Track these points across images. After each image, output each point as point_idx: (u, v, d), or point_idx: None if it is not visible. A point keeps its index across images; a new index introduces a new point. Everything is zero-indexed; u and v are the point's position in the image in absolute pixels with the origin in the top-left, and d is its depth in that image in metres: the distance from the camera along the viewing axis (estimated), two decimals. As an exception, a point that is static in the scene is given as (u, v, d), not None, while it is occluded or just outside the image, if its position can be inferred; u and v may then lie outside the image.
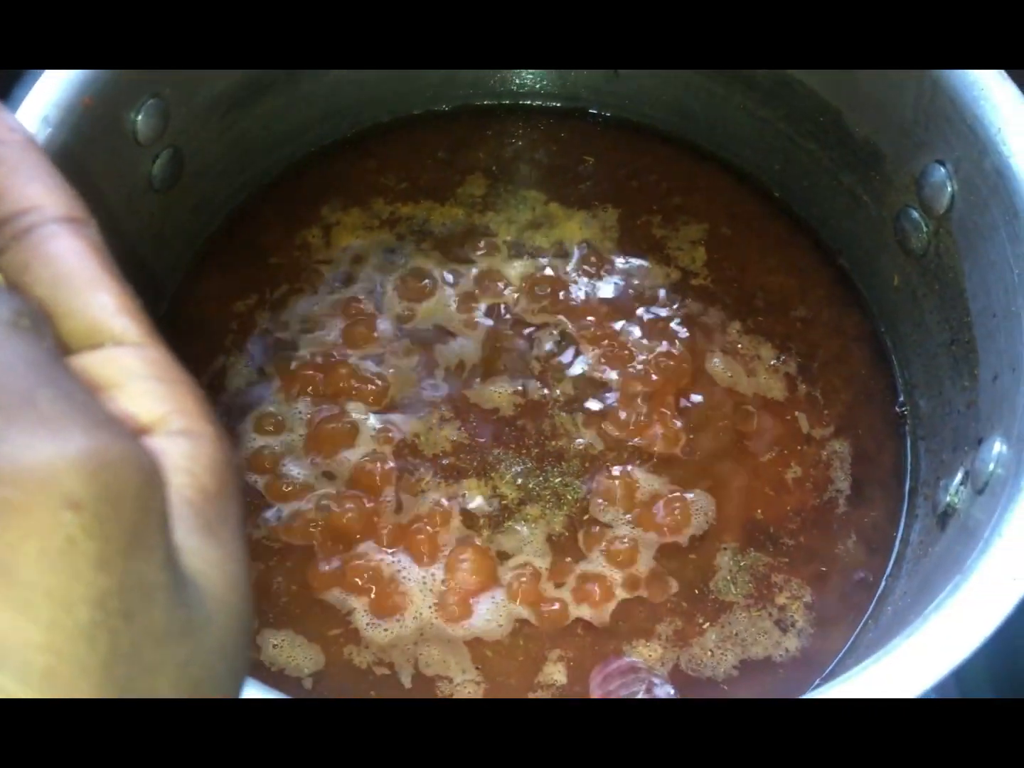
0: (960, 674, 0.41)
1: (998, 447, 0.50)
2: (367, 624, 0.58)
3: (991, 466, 0.50)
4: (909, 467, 0.63)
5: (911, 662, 0.41)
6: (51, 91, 0.54)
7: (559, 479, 0.63)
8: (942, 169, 0.57)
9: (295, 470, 0.62)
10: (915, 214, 0.61)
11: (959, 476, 0.54)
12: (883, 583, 0.60)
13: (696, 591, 0.60)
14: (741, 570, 0.61)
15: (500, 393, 0.65)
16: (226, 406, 0.65)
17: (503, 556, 0.60)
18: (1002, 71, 0.54)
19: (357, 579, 0.59)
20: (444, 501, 0.61)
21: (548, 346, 0.67)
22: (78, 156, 0.55)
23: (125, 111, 0.58)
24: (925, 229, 0.60)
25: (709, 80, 0.70)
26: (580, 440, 0.64)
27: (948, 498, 0.54)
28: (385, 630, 0.58)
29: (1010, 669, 0.67)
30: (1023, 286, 0.51)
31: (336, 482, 0.62)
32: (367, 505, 0.61)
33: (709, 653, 0.59)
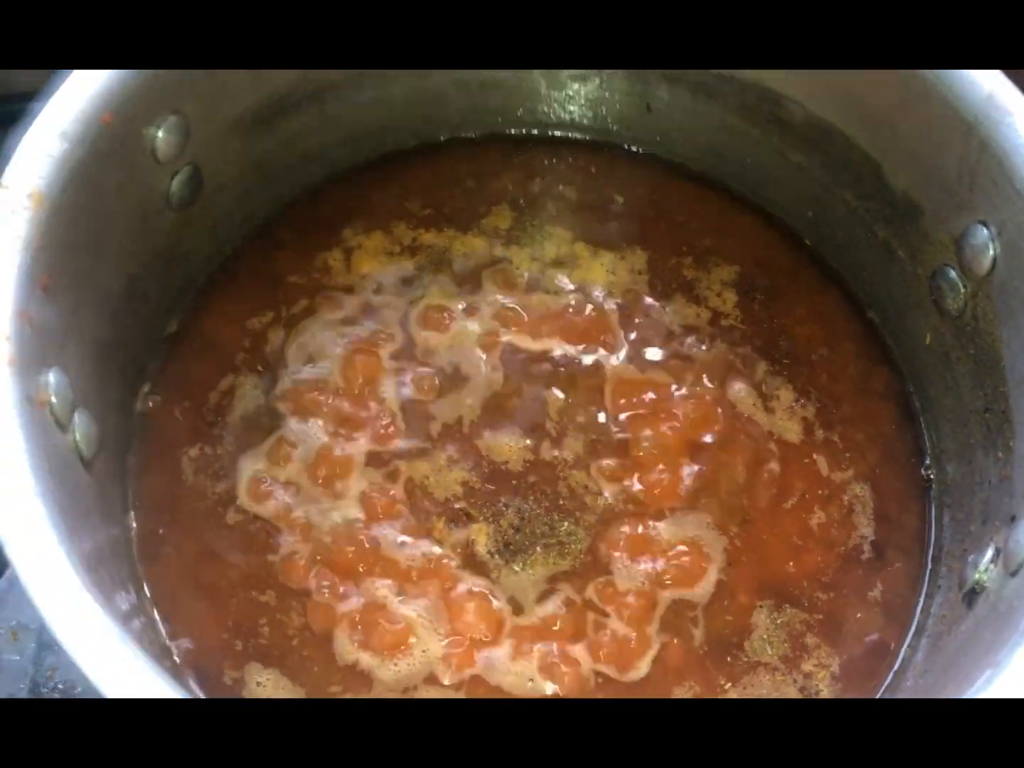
0: None
1: (1034, 529, 0.48)
2: (363, 669, 0.56)
3: (1027, 548, 0.48)
4: (933, 534, 0.61)
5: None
6: (70, 106, 0.52)
7: (565, 526, 0.61)
8: (985, 231, 0.55)
9: (299, 503, 0.60)
10: (953, 274, 0.59)
11: (989, 553, 0.52)
12: (901, 654, 0.58)
13: (728, 655, 0.58)
14: (778, 628, 0.59)
15: (511, 446, 0.63)
16: (232, 427, 0.63)
17: (513, 605, 0.58)
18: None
19: (354, 622, 0.57)
20: (449, 546, 0.60)
21: (564, 394, 0.65)
22: (95, 172, 0.53)
23: (145, 127, 0.56)
24: (963, 290, 0.58)
25: (744, 122, 0.69)
26: (595, 493, 0.62)
27: (976, 575, 0.52)
28: (380, 678, 0.56)
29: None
30: (1067, 361, 0.49)
31: (341, 518, 0.60)
32: (370, 544, 0.59)
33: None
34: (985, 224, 0.55)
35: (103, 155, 0.53)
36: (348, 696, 0.55)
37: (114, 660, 0.41)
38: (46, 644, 0.66)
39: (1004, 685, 0.40)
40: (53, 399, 0.49)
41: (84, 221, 0.53)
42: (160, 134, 0.57)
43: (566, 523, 0.61)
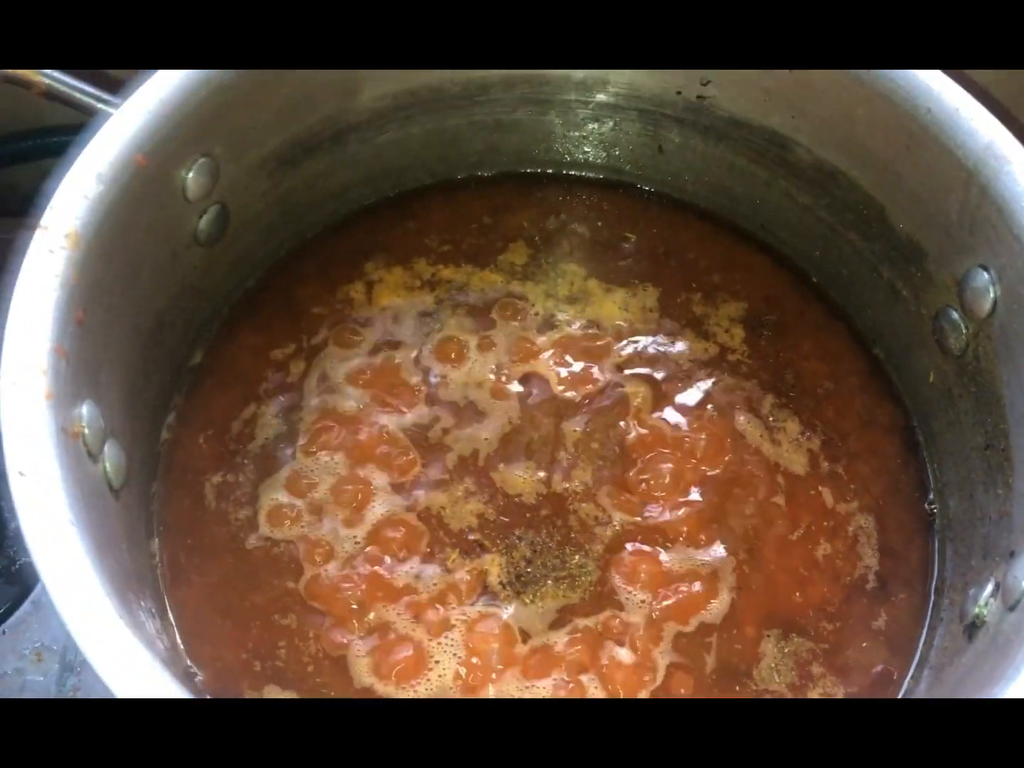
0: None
1: (1032, 565, 0.49)
2: (376, 695, 0.58)
3: (1024, 583, 0.49)
4: (936, 568, 0.63)
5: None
6: (106, 148, 0.54)
7: (576, 559, 0.62)
8: (985, 274, 0.57)
9: (318, 530, 0.62)
10: (955, 315, 0.60)
11: (989, 588, 0.53)
12: (905, 684, 0.60)
13: (737, 683, 0.59)
14: (785, 656, 0.60)
15: (524, 479, 0.65)
16: (254, 455, 0.65)
17: (523, 635, 0.60)
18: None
19: (372, 648, 0.59)
20: (465, 575, 0.61)
21: (578, 427, 0.67)
22: (128, 212, 0.55)
23: (176, 169, 0.59)
24: (964, 331, 0.60)
25: (752, 164, 0.71)
26: (605, 524, 0.63)
27: (976, 609, 0.53)
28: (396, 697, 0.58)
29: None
30: (1064, 402, 0.50)
31: (359, 547, 0.62)
32: (386, 572, 0.61)
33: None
34: (986, 268, 0.57)
35: (136, 196, 0.55)
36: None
37: (143, 679, 0.42)
38: (69, 665, 0.67)
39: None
40: (86, 431, 0.51)
41: (117, 259, 0.55)
42: (190, 175, 0.59)
43: (576, 556, 0.62)
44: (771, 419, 0.68)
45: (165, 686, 0.42)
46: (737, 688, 0.59)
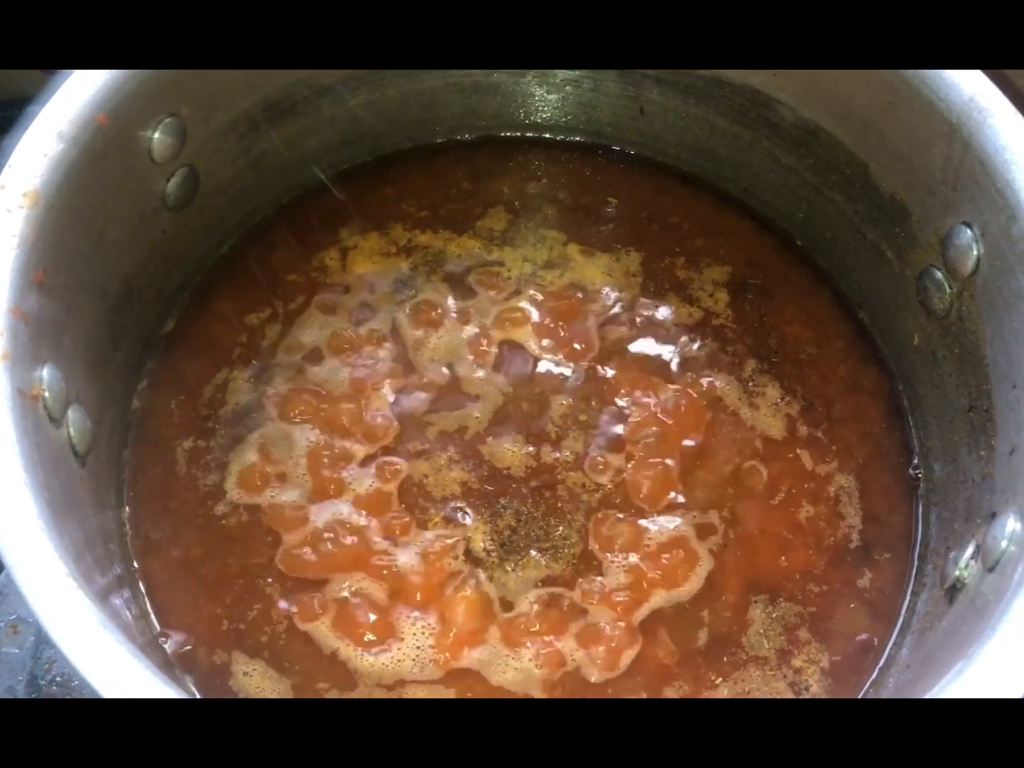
0: None
1: (1012, 524, 0.48)
2: (351, 661, 0.57)
3: (1004, 543, 0.48)
4: (920, 533, 0.62)
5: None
6: (66, 107, 0.53)
7: (560, 530, 0.61)
8: (968, 231, 0.55)
9: (290, 496, 0.61)
10: (939, 274, 0.59)
11: (970, 550, 0.52)
12: (887, 651, 0.58)
13: (725, 651, 0.58)
14: (773, 622, 0.59)
15: (513, 452, 0.64)
16: (226, 420, 0.64)
17: (503, 604, 0.59)
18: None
19: (345, 615, 0.58)
20: (444, 543, 0.60)
21: (560, 395, 0.65)
22: (90, 172, 0.54)
23: (141, 129, 0.58)
24: (948, 290, 0.59)
25: (735, 124, 0.69)
26: (591, 491, 0.62)
27: (957, 572, 0.52)
28: (368, 669, 0.57)
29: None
30: (1046, 359, 0.49)
31: (335, 514, 0.61)
32: (362, 539, 0.60)
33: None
34: (969, 225, 0.55)
35: (99, 155, 0.54)
36: (334, 689, 0.56)
37: (101, 651, 0.42)
38: (44, 638, 0.67)
39: (973, 677, 0.41)
40: (46, 394, 0.49)
41: (80, 220, 0.54)
42: (156, 135, 0.58)
43: (561, 527, 0.61)
44: (751, 384, 0.67)
45: (122, 653, 0.42)
46: (724, 655, 0.58)
